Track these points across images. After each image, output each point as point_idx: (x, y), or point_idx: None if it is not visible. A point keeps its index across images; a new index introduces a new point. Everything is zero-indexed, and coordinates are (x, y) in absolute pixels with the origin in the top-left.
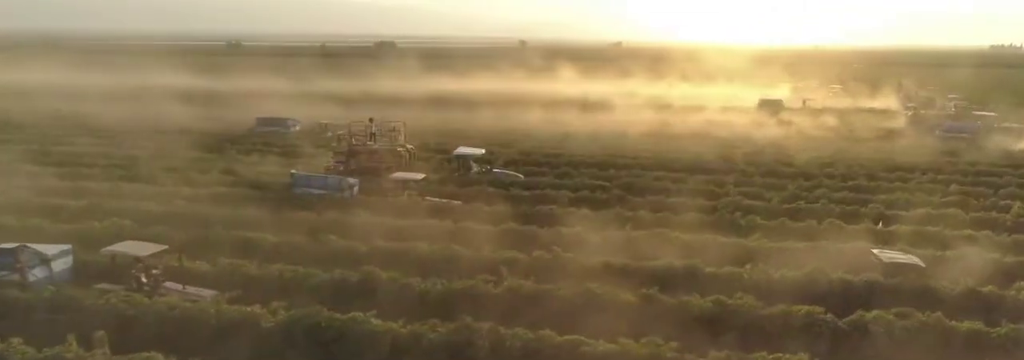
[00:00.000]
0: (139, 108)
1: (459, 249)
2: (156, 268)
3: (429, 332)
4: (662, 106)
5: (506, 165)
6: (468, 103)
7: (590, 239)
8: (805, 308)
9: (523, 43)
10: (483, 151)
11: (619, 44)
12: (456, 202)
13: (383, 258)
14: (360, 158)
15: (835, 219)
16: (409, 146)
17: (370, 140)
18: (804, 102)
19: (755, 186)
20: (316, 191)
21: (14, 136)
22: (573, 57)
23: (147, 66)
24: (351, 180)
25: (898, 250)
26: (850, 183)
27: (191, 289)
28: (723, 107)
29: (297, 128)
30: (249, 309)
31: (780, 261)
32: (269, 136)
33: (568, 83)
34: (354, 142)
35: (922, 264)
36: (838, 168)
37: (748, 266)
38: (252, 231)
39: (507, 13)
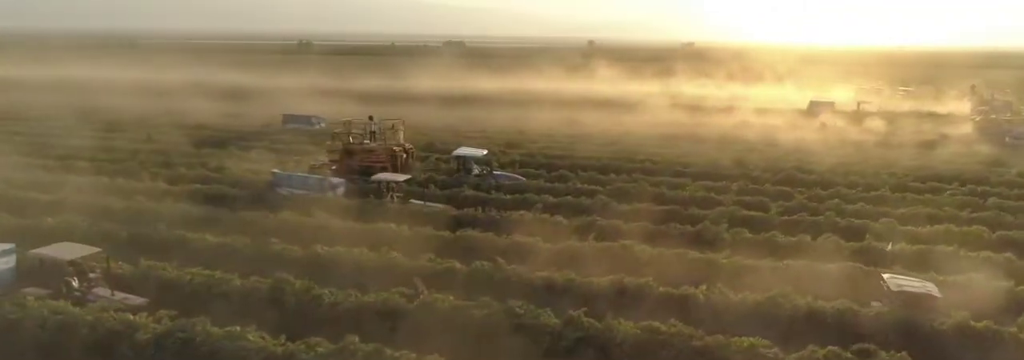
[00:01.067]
0: (173, 103)
1: (398, 257)
2: (94, 271)
3: (305, 352)
4: (702, 108)
5: (503, 166)
6: (501, 102)
7: (544, 250)
8: (748, 340)
9: (591, 43)
10: (485, 152)
11: (691, 44)
12: (439, 206)
13: (316, 264)
14: (356, 157)
15: (833, 234)
16: (408, 145)
17: (370, 139)
18: (859, 105)
19: (761, 194)
20: (297, 191)
21: (31, 128)
22: (639, 57)
23: (205, 64)
24: (335, 180)
25: (912, 277)
26: (871, 193)
27: (120, 295)
28: (766, 109)
29: (321, 125)
30: (132, 318)
31: (750, 281)
32: (294, 133)
33: (613, 83)
34: (350, 141)
35: (938, 294)
36: (863, 177)
37: (703, 287)
38: (197, 231)
39: (581, 13)
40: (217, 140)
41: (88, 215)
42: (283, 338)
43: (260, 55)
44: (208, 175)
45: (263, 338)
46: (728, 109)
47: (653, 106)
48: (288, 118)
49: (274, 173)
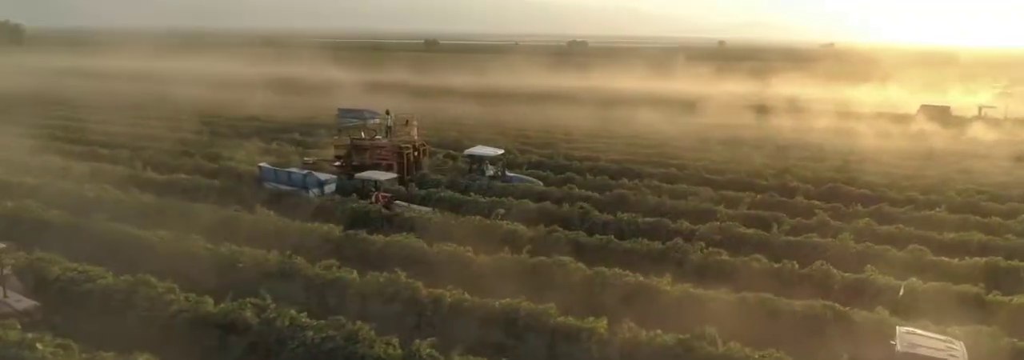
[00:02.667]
0: (239, 94)
1: (300, 263)
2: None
3: None
4: (789, 111)
5: (513, 167)
6: (580, 101)
7: (463, 262)
8: None
9: (721, 43)
10: (501, 151)
11: (831, 45)
12: (425, 209)
13: (205, 264)
14: (363, 154)
15: (828, 263)
16: (418, 142)
17: (386, 134)
18: (980, 110)
19: (780, 209)
20: (283, 187)
21: (83, 115)
22: (768, 57)
23: (318, 60)
24: (323, 177)
25: (938, 334)
26: (920, 213)
27: (13, 297)
28: (869, 113)
29: (375, 120)
30: None
31: (680, 315)
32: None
33: (703, 83)
34: (362, 135)
35: None
36: (925, 193)
37: (604, 320)
38: (143, 223)
39: (713, 13)
40: (252, 131)
41: (47, 201)
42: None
43: (382, 53)
44: (204, 166)
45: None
46: (818, 113)
47: (727, 108)
48: (343, 112)
49: (260, 167)
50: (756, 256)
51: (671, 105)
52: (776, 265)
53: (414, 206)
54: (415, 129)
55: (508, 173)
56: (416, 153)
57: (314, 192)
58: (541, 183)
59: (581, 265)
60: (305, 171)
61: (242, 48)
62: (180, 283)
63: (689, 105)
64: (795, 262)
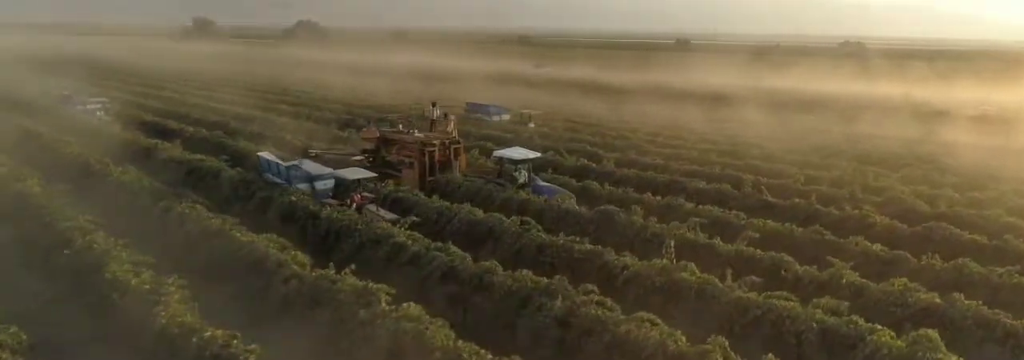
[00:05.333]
0: (407, 86)
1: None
2: None
3: None
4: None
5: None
6: (745, 101)
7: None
8: None
9: None
10: (538, 155)
11: None
12: (392, 216)
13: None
14: (392, 148)
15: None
16: (447, 140)
17: (429, 128)
18: None
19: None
20: (278, 180)
21: (186, 88)
22: None
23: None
24: (316, 171)
25: None
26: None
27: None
28: None
29: (504, 117)
30: None
31: None
32: (470, 122)
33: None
34: (399, 128)
35: None
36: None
37: None
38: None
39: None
40: (356, 118)
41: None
42: None
43: (617, 51)
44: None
45: None
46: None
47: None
48: (471, 106)
49: (259, 156)
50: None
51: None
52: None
53: (383, 211)
54: (451, 124)
55: (539, 182)
56: (446, 152)
57: (302, 187)
58: (574, 197)
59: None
60: (291, 163)
61: (489, 45)
62: None
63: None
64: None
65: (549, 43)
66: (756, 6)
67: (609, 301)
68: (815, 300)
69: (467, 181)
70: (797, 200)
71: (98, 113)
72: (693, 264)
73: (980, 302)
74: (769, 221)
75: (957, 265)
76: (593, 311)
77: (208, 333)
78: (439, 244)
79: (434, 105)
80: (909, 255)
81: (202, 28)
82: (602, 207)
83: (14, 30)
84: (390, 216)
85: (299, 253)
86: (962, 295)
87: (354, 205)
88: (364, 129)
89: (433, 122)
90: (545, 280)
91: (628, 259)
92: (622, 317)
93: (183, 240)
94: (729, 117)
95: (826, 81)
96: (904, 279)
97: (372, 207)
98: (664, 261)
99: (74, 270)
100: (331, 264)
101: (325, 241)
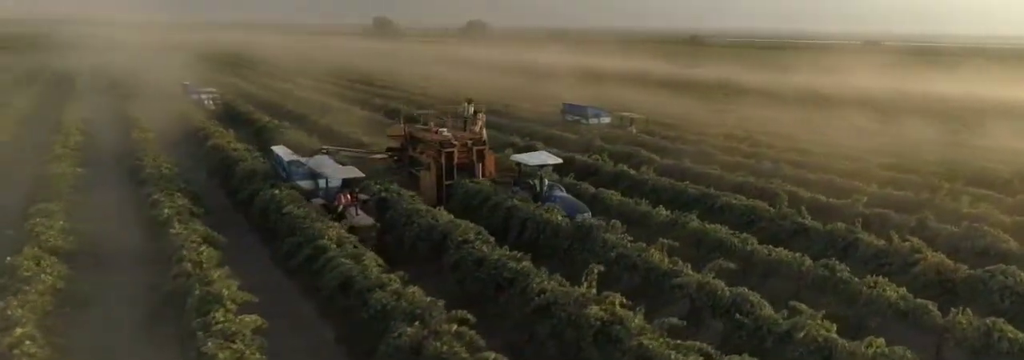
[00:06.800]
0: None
1: None
2: None
3: None
4: None
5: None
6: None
7: None
8: None
9: None
10: (558, 160)
11: None
12: (368, 219)
13: None
14: (418, 147)
15: None
16: (470, 141)
17: (462, 127)
18: None
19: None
20: (283, 175)
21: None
22: None
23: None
24: (321, 169)
25: None
26: None
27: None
28: None
29: (603, 120)
30: None
31: None
32: (563, 124)
33: None
34: (431, 126)
35: None
36: None
37: None
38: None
39: None
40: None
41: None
42: None
43: (787, 52)
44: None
45: None
46: None
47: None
48: (569, 108)
49: (271, 150)
50: None
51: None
52: None
53: (361, 215)
54: (479, 124)
55: (559, 192)
56: (468, 154)
57: (303, 184)
58: (590, 213)
59: None
60: (292, 159)
61: (651, 46)
62: None
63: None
64: None
65: (719, 43)
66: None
67: (470, 335)
68: None
69: (480, 187)
70: (840, 224)
71: (206, 101)
72: (618, 295)
73: None
74: (782, 249)
75: (989, 328)
76: (446, 344)
77: None
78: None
79: (469, 102)
80: (936, 308)
81: (382, 27)
82: (581, 220)
83: (214, 29)
84: (363, 221)
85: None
86: None
87: (339, 207)
88: (393, 127)
89: (466, 121)
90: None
91: (553, 283)
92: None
93: None
94: (846, 124)
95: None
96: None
97: (352, 210)
98: (584, 289)
99: None
100: None
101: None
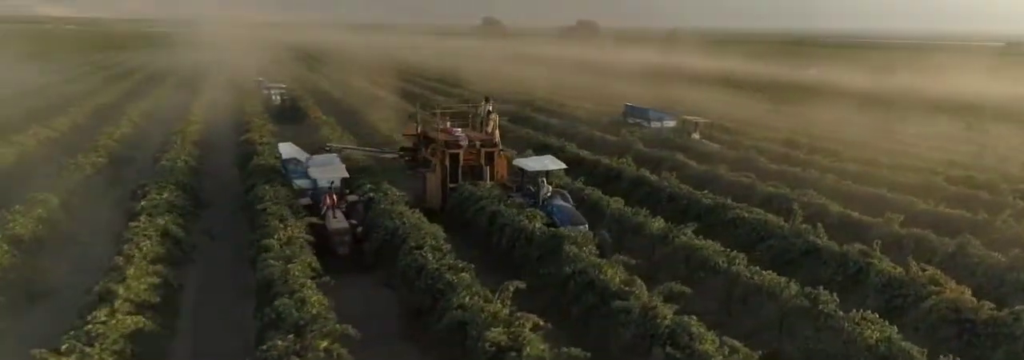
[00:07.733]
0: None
1: None
2: None
3: None
4: None
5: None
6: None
7: None
8: None
9: None
10: (562, 166)
11: None
12: (345, 222)
13: None
14: (429, 147)
15: None
16: (479, 142)
17: (480, 126)
18: None
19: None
20: (284, 172)
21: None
22: None
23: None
24: (320, 167)
25: None
26: None
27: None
28: None
29: (666, 124)
30: None
31: None
32: (622, 127)
33: None
34: (446, 125)
35: None
36: None
37: None
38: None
39: None
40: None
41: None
42: None
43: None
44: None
45: None
46: None
47: None
48: (630, 110)
49: (276, 146)
50: None
51: None
52: None
53: (338, 217)
54: (492, 124)
55: (559, 201)
56: (477, 156)
57: (299, 183)
58: (587, 224)
59: None
60: (289, 157)
61: (759, 47)
62: None
63: None
64: None
65: (830, 44)
66: None
67: (340, 353)
68: None
69: (479, 191)
70: (857, 246)
71: (274, 96)
72: (533, 316)
73: None
74: (769, 272)
75: None
76: None
77: None
78: None
79: (487, 100)
80: (924, 357)
81: (490, 27)
82: (553, 230)
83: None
84: (338, 225)
85: None
86: None
87: (323, 208)
88: (409, 125)
89: (480, 120)
90: None
91: (478, 299)
92: None
93: None
94: (934, 131)
95: None
96: None
97: (330, 212)
98: (496, 308)
99: None
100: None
101: None
